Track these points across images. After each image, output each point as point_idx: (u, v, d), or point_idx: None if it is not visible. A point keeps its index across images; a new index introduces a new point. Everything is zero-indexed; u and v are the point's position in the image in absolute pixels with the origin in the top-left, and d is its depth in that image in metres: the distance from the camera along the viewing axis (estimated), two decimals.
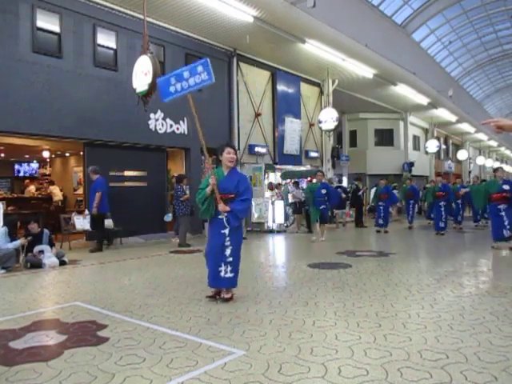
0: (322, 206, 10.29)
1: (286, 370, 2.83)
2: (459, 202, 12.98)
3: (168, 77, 4.88)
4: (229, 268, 4.55)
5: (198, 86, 4.74)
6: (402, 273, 6.16)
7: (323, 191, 10.30)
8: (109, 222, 9.66)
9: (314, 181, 11.77)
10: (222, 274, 4.54)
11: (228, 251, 4.56)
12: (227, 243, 4.57)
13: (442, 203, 11.48)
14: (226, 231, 4.57)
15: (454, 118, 26.33)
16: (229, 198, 4.58)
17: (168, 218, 11.09)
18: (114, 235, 9.94)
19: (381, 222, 12.64)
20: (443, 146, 31.42)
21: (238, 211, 4.63)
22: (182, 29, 11.76)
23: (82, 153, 10.64)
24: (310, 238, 10.71)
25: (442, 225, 11.46)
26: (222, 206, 4.53)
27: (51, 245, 7.66)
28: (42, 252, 7.22)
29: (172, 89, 4.78)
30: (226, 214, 4.54)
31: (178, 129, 11.79)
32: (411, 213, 13.89)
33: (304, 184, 15.21)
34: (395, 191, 15.87)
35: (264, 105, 14.88)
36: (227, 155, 4.69)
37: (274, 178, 15.00)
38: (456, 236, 11.38)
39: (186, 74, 4.70)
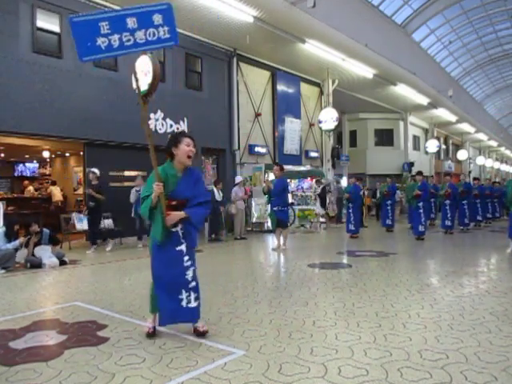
0: (276, 207, 8.79)
1: (286, 370, 2.83)
2: (447, 202, 11.83)
3: (94, 18, 2.95)
4: (193, 295, 3.46)
5: (152, 47, 3.06)
6: (401, 273, 6.16)
7: (277, 188, 8.78)
8: (109, 222, 9.66)
9: (272, 177, 10.05)
10: (184, 303, 3.43)
11: (190, 273, 3.46)
12: (187, 263, 3.46)
13: (421, 204, 10.41)
14: (183, 247, 3.45)
15: (454, 118, 26.34)
16: (184, 204, 3.46)
17: (80, 220, 9.29)
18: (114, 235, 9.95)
19: (351, 227, 11.10)
20: (443, 146, 31.42)
21: (198, 219, 3.50)
22: (182, 29, 11.73)
23: (82, 153, 10.64)
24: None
25: (421, 229, 10.23)
26: (171, 217, 3.35)
27: (55, 242, 7.68)
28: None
29: (102, 42, 2.91)
30: (180, 226, 3.45)
31: (177, 129, 11.78)
32: (389, 215, 12.58)
33: (306, 184, 15.19)
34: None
35: (264, 105, 14.87)
36: (186, 147, 3.42)
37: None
38: (456, 237, 11.37)
39: (130, 22, 2.93)
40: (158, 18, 2.96)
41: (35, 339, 3.55)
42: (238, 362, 3.00)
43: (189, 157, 3.45)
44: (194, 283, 3.49)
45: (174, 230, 3.42)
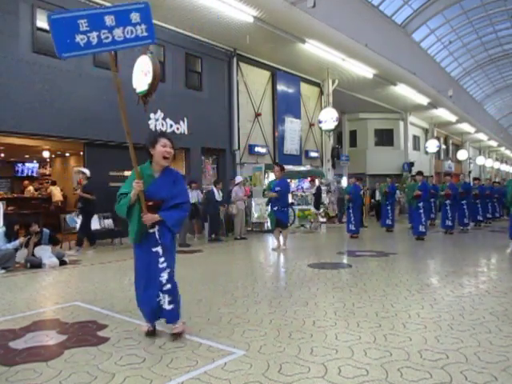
0: (276, 207, 8.82)
1: (286, 370, 2.83)
2: (448, 202, 11.85)
3: (73, 16, 2.99)
4: (167, 298, 3.42)
5: (130, 45, 3.10)
6: (401, 273, 6.16)
7: (277, 189, 8.78)
8: (109, 222, 9.66)
9: (272, 177, 9.97)
10: (162, 304, 3.45)
11: (165, 276, 3.42)
12: (162, 265, 3.42)
13: (421, 204, 10.35)
14: (159, 249, 3.42)
15: (454, 118, 26.35)
16: (159, 205, 3.43)
17: (72, 222, 9.22)
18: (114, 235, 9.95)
19: (352, 227, 11.11)
20: (443, 146, 31.43)
21: (173, 222, 3.44)
22: (182, 29, 11.76)
23: (82, 153, 10.64)
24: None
25: (422, 229, 10.21)
26: (148, 217, 3.32)
27: (55, 242, 7.68)
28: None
29: (80, 39, 2.97)
30: (157, 227, 3.42)
31: (177, 129, 11.79)
32: (389, 215, 12.61)
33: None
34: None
35: (264, 105, 14.88)
36: (162, 148, 3.41)
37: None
38: (456, 237, 11.37)
39: (108, 20, 3.00)
40: (135, 17, 3.02)
41: (35, 339, 3.55)
42: (238, 361, 3.00)
43: (164, 158, 3.43)
44: (169, 285, 3.44)
45: (151, 231, 3.42)
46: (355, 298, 4.72)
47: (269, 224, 10.66)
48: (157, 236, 3.43)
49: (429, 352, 3.10)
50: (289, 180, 15.05)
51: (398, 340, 3.36)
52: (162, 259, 3.43)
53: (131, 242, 3.47)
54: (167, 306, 3.43)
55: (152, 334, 3.55)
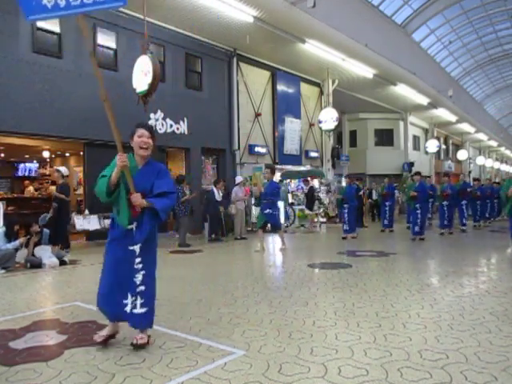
0: (267, 211, 8.75)
1: (286, 370, 2.83)
2: (445, 203, 11.76)
3: None
4: (139, 301, 3.21)
5: (100, 7, 2.93)
6: (401, 273, 6.16)
7: (265, 191, 8.83)
8: (109, 222, 9.66)
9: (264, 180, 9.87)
10: (128, 308, 3.21)
11: (139, 277, 3.22)
12: (138, 266, 3.22)
13: (418, 205, 10.40)
14: (137, 247, 3.21)
15: (454, 118, 26.35)
16: (144, 197, 3.21)
17: (43, 220, 8.76)
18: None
19: (346, 227, 11.06)
20: (443, 146, 31.43)
21: (161, 206, 3.18)
22: (182, 29, 11.77)
23: (81, 153, 10.64)
24: (311, 235, 10.27)
25: (417, 229, 10.36)
26: (137, 197, 3.12)
27: (54, 242, 7.68)
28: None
29: (47, 1, 2.87)
30: (135, 224, 3.20)
31: (177, 129, 11.79)
32: (387, 215, 12.66)
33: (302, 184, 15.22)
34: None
35: (264, 105, 14.88)
36: (138, 139, 3.31)
37: (274, 178, 14.97)
38: (455, 237, 11.37)
39: None
40: None
41: (35, 339, 3.55)
42: (238, 362, 3.00)
43: (141, 148, 3.30)
44: (142, 287, 3.23)
45: (129, 227, 3.19)
46: (355, 297, 4.72)
47: (269, 225, 10.27)
48: (134, 234, 3.20)
49: (429, 352, 3.10)
50: (288, 180, 15.15)
51: (398, 340, 3.36)
52: (138, 259, 3.22)
53: (125, 226, 3.19)
54: (138, 310, 3.21)
55: (104, 342, 3.27)
